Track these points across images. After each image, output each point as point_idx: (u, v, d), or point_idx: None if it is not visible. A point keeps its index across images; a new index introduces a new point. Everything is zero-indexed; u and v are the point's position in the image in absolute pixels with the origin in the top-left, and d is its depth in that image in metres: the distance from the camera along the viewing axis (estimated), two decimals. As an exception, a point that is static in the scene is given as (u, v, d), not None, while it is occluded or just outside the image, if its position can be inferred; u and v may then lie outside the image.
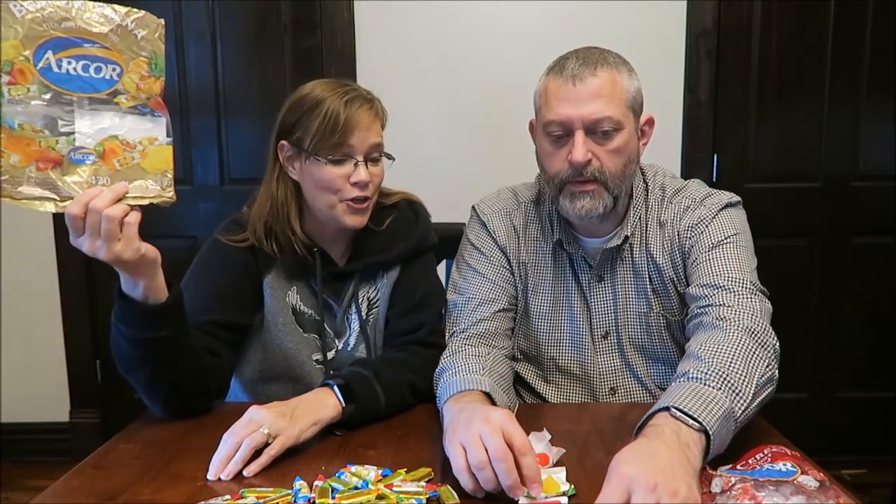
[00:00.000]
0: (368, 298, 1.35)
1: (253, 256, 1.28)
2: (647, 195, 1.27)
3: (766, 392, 0.97)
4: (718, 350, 0.97)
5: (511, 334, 1.31)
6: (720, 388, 0.91)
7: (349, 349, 1.35)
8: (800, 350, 2.62)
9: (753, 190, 2.50)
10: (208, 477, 0.92)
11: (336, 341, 1.35)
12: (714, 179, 2.54)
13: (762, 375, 0.96)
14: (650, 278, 1.25)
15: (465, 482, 0.84)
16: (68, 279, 2.69)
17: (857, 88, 2.52)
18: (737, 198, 1.25)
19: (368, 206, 1.26)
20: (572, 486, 0.86)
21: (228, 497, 0.85)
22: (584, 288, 1.28)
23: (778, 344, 1.03)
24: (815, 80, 2.52)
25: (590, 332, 1.29)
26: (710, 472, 0.84)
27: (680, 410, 0.86)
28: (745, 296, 1.08)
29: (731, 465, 0.87)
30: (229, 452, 0.93)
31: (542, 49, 2.44)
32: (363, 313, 1.34)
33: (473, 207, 1.38)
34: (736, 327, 1.01)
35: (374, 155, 1.24)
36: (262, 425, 0.96)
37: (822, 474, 0.81)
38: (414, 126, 2.51)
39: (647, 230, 1.25)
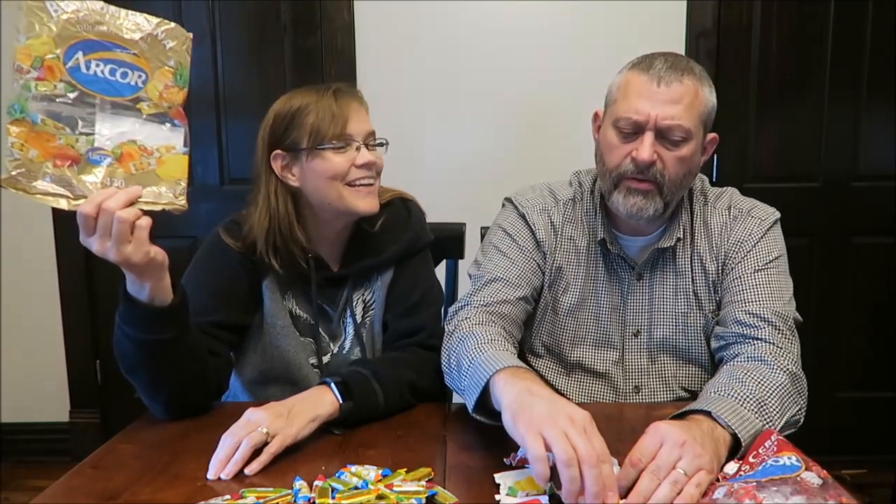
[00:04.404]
0: (364, 301, 1.35)
1: (251, 259, 1.28)
2: (692, 200, 1.29)
3: (789, 431, 1.03)
4: (761, 382, 1.02)
5: (523, 327, 1.29)
6: (755, 412, 0.97)
7: (344, 352, 1.35)
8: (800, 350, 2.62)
9: (753, 190, 2.45)
10: (208, 476, 0.92)
11: (331, 345, 1.35)
12: (714, 179, 2.54)
13: (792, 416, 1.03)
14: (694, 279, 1.26)
15: (541, 472, 0.81)
16: (68, 279, 2.69)
17: (857, 88, 2.52)
18: (778, 213, 1.28)
19: (375, 189, 1.28)
20: (552, 485, 0.86)
21: (228, 497, 0.85)
22: (623, 286, 1.28)
23: (807, 389, 1.10)
24: (815, 80, 2.52)
25: (620, 330, 1.29)
26: (716, 480, 0.85)
27: (722, 418, 0.92)
28: (788, 337, 1.14)
29: (739, 462, 0.88)
30: (228, 452, 0.94)
31: (542, 49, 2.48)
32: (358, 316, 1.34)
33: (510, 199, 1.36)
34: (781, 369, 1.06)
35: (372, 140, 1.27)
36: (260, 425, 0.96)
37: (825, 472, 0.81)
38: (413, 126, 2.51)
39: (694, 233, 1.27)
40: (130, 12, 0.94)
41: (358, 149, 1.24)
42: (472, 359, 1.03)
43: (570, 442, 0.80)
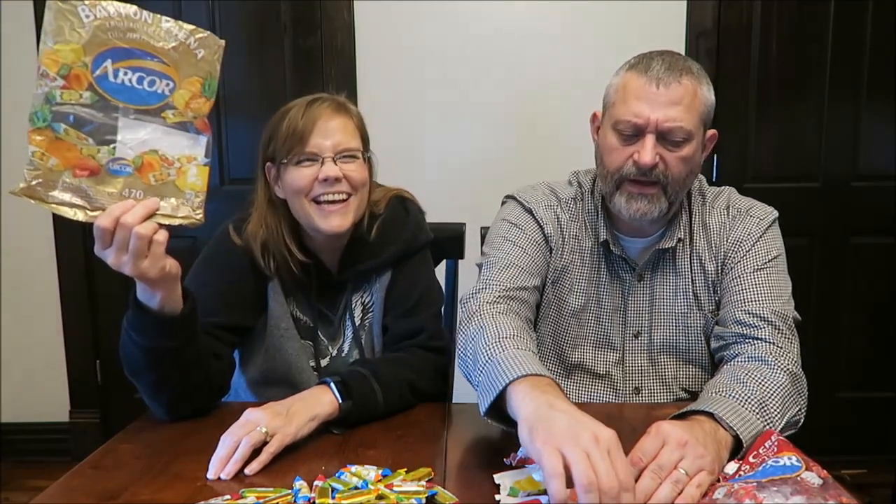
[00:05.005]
0: (363, 303, 1.35)
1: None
2: (690, 200, 1.29)
3: (790, 431, 1.03)
4: (762, 382, 1.02)
5: (534, 316, 1.28)
6: (756, 413, 0.97)
7: (343, 356, 1.35)
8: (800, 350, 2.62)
9: (753, 190, 2.45)
10: (208, 476, 0.92)
11: (330, 348, 1.35)
12: (714, 179, 2.54)
13: (793, 416, 1.03)
14: (693, 280, 1.26)
15: (556, 489, 0.74)
16: (68, 279, 2.68)
17: (857, 88, 2.52)
18: (776, 213, 1.28)
19: (348, 206, 1.23)
20: None
21: (228, 497, 0.85)
22: (624, 287, 1.28)
23: (807, 389, 1.09)
24: (815, 80, 2.52)
25: (621, 332, 1.29)
26: (717, 480, 0.85)
27: (724, 420, 0.93)
28: (788, 336, 1.13)
29: (739, 462, 0.88)
30: (228, 452, 0.94)
31: (542, 48, 2.48)
32: (357, 318, 1.34)
33: (512, 196, 1.34)
34: (781, 369, 1.06)
35: (347, 155, 1.23)
36: (259, 424, 0.96)
37: (825, 472, 0.81)
38: (413, 126, 2.51)
39: (693, 233, 1.27)
40: (164, 18, 0.92)
41: (323, 163, 1.21)
42: (491, 355, 0.98)
43: (592, 465, 0.73)
